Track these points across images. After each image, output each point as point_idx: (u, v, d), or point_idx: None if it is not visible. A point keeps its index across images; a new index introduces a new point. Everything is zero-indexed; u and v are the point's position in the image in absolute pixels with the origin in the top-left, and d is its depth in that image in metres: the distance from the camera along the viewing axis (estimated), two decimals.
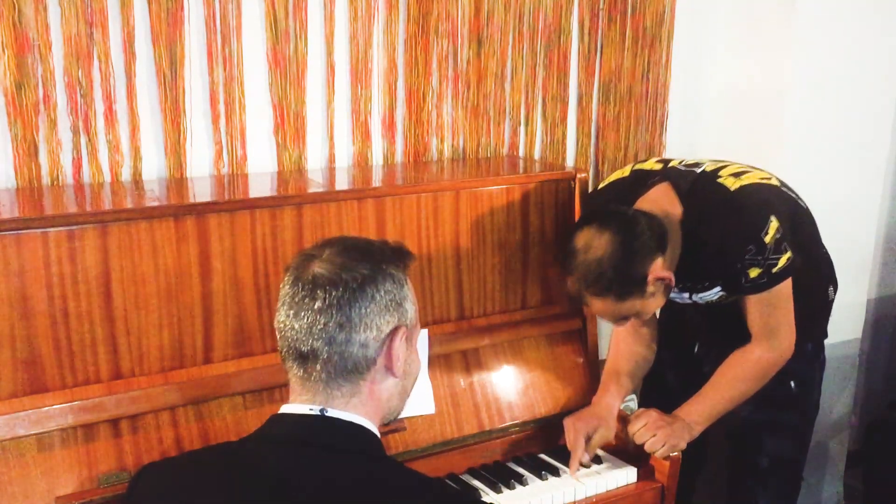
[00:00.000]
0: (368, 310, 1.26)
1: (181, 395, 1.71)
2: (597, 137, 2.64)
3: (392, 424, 1.84)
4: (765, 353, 1.95)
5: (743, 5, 2.71)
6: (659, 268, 1.81)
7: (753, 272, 1.85)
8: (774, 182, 1.96)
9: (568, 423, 1.98)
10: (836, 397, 3.06)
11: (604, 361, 2.24)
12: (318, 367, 1.26)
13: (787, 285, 1.90)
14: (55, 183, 1.93)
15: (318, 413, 1.27)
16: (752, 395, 2.01)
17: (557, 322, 2.14)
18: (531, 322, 2.11)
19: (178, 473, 1.30)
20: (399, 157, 2.33)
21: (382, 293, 1.27)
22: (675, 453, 1.93)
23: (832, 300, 2.14)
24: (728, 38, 2.74)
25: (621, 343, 2.14)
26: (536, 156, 2.54)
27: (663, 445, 1.91)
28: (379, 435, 1.32)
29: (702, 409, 1.96)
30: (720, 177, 1.91)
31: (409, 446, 1.88)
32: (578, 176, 2.15)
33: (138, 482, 1.32)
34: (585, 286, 1.81)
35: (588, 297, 1.83)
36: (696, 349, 2.22)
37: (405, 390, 1.38)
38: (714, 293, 1.96)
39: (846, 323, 2.95)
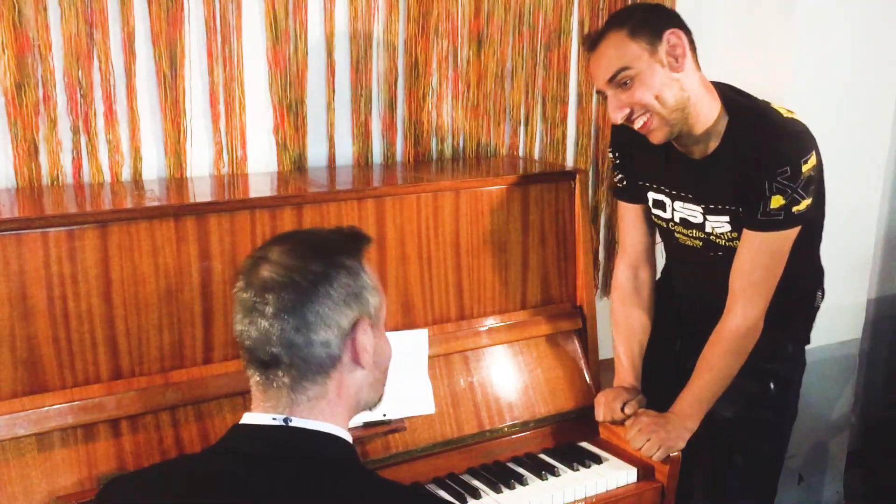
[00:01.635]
0: (325, 308, 1.21)
1: (181, 395, 1.71)
2: (597, 137, 2.64)
3: (392, 424, 1.85)
4: (739, 322, 1.91)
5: (743, 5, 2.71)
6: (677, 34, 1.81)
7: (776, 201, 1.80)
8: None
9: (599, 398, 2.06)
10: (836, 397, 3.06)
11: (604, 361, 2.24)
12: (281, 372, 1.22)
13: (791, 236, 1.86)
14: (55, 183, 1.93)
15: (282, 423, 1.23)
16: (732, 395, 2.00)
17: (557, 322, 2.14)
18: (531, 322, 2.11)
19: (143, 489, 1.25)
20: (399, 157, 2.33)
21: (337, 288, 1.22)
22: (675, 453, 1.93)
23: (818, 307, 2.13)
24: (728, 38, 2.74)
25: (624, 321, 2.14)
26: (536, 156, 2.54)
27: (658, 449, 1.91)
28: (350, 439, 1.28)
29: (690, 400, 1.96)
30: (772, 104, 1.91)
31: (409, 446, 1.88)
32: (578, 176, 2.15)
33: (104, 497, 1.28)
34: (608, 21, 1.86)
35: (605, 33, 1.82)
36: (676, 346, 2.21)
37: (377, 380, 1.34)
38: (723, 222, 1.92)
39: (846, 323, 2.95)
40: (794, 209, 1.82)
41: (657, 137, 1.86)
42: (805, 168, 1.79)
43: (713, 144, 1.88)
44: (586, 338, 2.17)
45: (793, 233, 1.86)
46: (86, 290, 1.64)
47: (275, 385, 1.24)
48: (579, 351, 2.16)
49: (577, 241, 2.16)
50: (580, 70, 2.56)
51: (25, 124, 1.87)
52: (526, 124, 2.51)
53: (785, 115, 1.87)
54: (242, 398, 1.76)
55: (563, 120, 2.56)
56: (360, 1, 2.17)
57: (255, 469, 1.19)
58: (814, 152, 1.82)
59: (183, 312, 1.72)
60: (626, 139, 2.00)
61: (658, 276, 2.20)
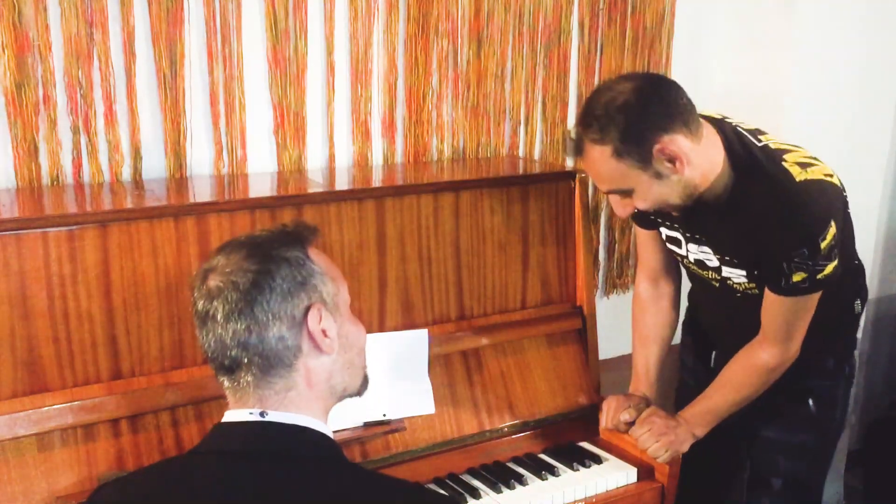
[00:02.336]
0: (270, 303, 1.23)
1: (181, 395, 1.71)
2: None
3: (392, 424, 1.85)
4: (774, 358, 1.86)
5: (743, 5, 2.71)
6: (671, 140, 1.61)
7: (798, 276, 1.71)
8: (836, 181, 1.78)
9: (604, 405, 2.04)
10: None
11: (604, 361, 2.24)
12: (243, 372, 1.25)
13: (819, 293, 1.79)
14: (55, 183, 1.93)
15: (258, 418, 1.24)
16: (771, 414, 1.99)
17: (557, 322, 2.14)
18: (531, 322, 2.11)
19: (131, 492, 1.27)
20: (399, 157, 2.33)
21: (279, 280, 1.24)
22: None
23: (859, 314, 2.03)
24: (728, 38, 2.74)
25: (641, 330, 2.11)
26: (536, 156, 2.54)
27: (665, 452, 1.91)
28: (328, 432, 1.29)
29: (704, 411, 1.94)
30: (785, 161, 1.73)
31: (409, 446, 1.88)
32: (578, 176, 2.15)
33: (93, 501, 1.29)
34: (586, 125, 1.65)
35: (587, 144, 1.66)
36: (712, 362, 2.17)
37: (351, 363, 1.34)
38: (739, 275, 1.85)
39: None
40: (819, 276, 1.73)
41: (674, 213, 1.81)
42: (824, 244, 1.69)
43: (723, 197, 1.76)
44: (586, 338, 2.17)
45: (820, 292, 1.79)
46: (86, 290, 1.64)
47: (241, 385, 1.26)
48: (579, 351, 2.16)
49: (577, 241, 2.16)
50: (580, 70, 2.56)
51: (25, 124, 1.87)
52: (526, 124, 2.51)
53: (798, 180, 1.71)
54: None
55: (563, 120, 2.56)
56: (360, 1, 2.17)
57: (235, 468, 1.20)
58: (832, 221, 1.69)
59: (183, 312, 1.72)
60: None
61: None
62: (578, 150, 1.70)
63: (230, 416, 1.27)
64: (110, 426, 1.65)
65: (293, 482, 1.18)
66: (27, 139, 1.88)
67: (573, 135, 1.71)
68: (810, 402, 2.00)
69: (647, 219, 2.00)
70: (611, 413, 2.02)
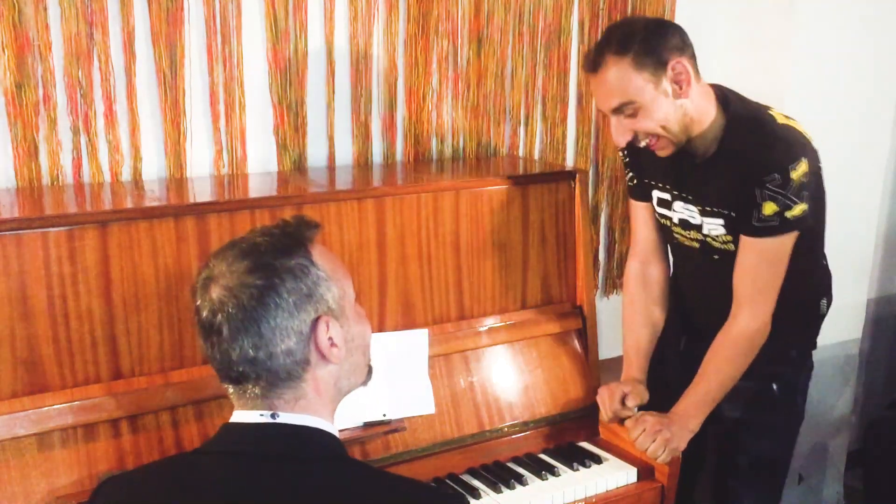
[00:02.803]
0: (277, 319, 1.19)
1: (181, 395, 1.71)
2: (597, 137, 2.64)
3: (392, 424, 1.85)
4: (747, 324, 1.91)
5: (743, 5, 2.71)
6: (682, 62, 1.78)
7: (768, 208, 1.81)
8: (813, 146, 1.91)
9: (601, 390, 2.06)
10: (836, 397, 3.06)
11: (604, 361, 2.24)
12: (251, 385, 1.23)
13: (789, 241, 1.87)
14: (55, 183, 1.93)
15: (270, 419, 1.23)
16: (735, 396, 2.00)
17: (557, 322, 2.14)
18: (531, 322, 2.11)
19: (136, 489, 1.25)
20: (399, 157, 2.33)
21: (285, 295, 1.20)
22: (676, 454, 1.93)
23: (824, 314, 2.12)
24: (728, 38, 2.74)
25: (635, 316, 2.14)
26: (536, 156, 2.54)
27: (664, 450, 1.91)
28: (334, 430, 1.28)
29: (695, 402, 1.95)
30: (771, 110, 1.91)
31: (409, 446, 1.88)
32: (578, 176, 2.15)
33: (97, 497, 1.28)
34: (607, 42, 1.80)
35: (607, 57, 1.78)
36: (682, 344, 2.21)
37: (357, 365, 1.32)
38: (717, 224, 1.93)
39: (846, 323, 2.95)
40: (788, 214, 1.82)
41: (664, 153, 1.89)
42: (795, 174, 1.79)
43: (712, 148, 1.90)
44: (586, 338, 2.17)
45: (790, 237, 1.87)
46: (86, 290, 1.64)
47: (249, 395, 1.24)
48: (579, 351, 2.16)
49: (577, 241, 2.16)
50: (580, 70, 2.55)
51: (25, 124, 1.87)
52: (526, 124, 2.51)
53: (779, 122, 1.87)
54: None
55: (563, 120, 2.56)
56: (360, 1, 2.17)
57: (247, 468, 1.20)
58: (804, 159, 1.81)
59: (183, 312, 1.72)
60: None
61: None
62: (596, 66, 1.81)
63: (239, 416, 1.26)
64: (110, 426, 1.65)
65: (305, 482, 1.18)
66: (27, 139, 1.88)
67: (592, 54, 1.83)
68: (774, 385, 2.06)
69: (641, 187, 2.08)
70: (606, 403, 2.03)
